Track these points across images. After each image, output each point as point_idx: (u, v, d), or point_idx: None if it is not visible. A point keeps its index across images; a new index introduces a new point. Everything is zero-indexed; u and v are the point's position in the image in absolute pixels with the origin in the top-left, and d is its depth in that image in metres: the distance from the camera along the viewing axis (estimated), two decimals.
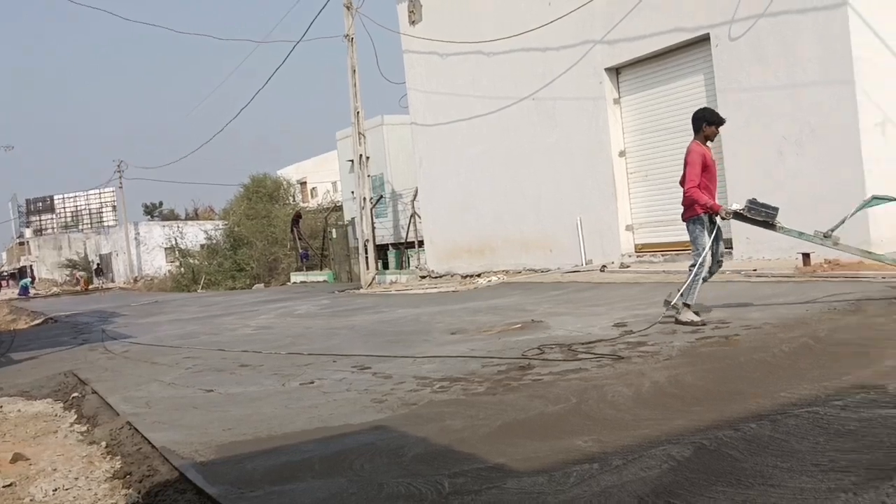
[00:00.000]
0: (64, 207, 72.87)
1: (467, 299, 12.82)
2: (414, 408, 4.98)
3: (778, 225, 7.11)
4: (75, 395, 7.15)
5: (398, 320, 10.92)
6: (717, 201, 7.16)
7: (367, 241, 20.20)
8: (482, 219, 17.80)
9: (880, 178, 10.04)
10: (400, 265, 23.38)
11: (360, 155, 20.08)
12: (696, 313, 7.06)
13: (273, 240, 33.59)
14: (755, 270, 10.39)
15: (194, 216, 67.18)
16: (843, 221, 7.01)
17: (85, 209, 72.56)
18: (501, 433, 4.16)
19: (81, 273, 58.42)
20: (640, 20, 13.35)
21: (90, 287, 52.24)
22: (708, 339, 6.25)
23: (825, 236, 7.11)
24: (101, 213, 71.48)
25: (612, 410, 4.37)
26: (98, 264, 62.48)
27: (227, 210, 42.60)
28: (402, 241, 23.57)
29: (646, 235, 14.27)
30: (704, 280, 7.20)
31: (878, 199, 7.28)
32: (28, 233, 71.45)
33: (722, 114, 7.47)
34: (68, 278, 59.62)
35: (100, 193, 70.56)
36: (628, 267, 13.48)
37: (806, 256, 9.80)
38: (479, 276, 16.86)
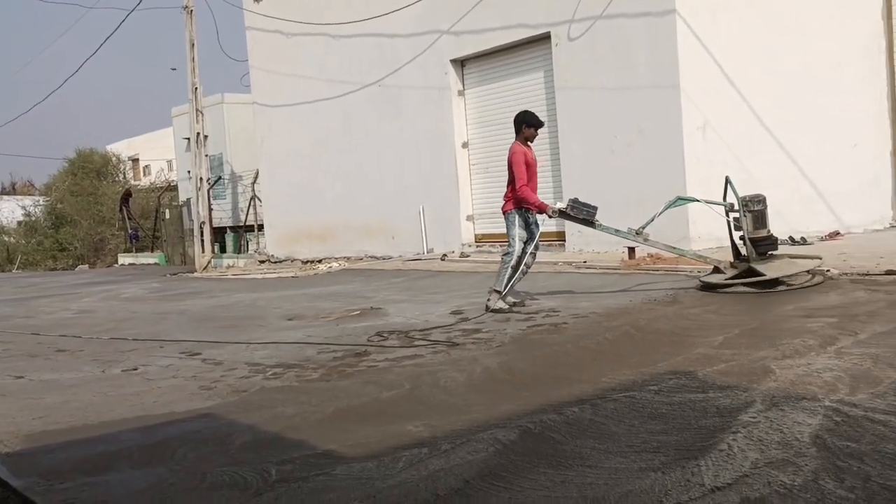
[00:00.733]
0: None
1: (307, 285, 12.63)
2: (244, 395, 4.85)
3: (597, 223, 7.64)
4: None
5: (233, 305, 10.59)
6: (541, 199, 7.62)
7: (203, 223, 19.42)
8: (324, 204, 17.55)
9: (700, 178, 10.69)
10: (238, 249, 22.68)
11: (198, 133, 19.22)
12: (514, 303, 7.54)
13: (100, 219, 31.85)
14: (585, 262, 10.90)
15: (11, 190, 62.04)
16: (652, 219, 7.74)
17: None
18: (333, 419, 4.13)
19: None
20: (486, 14, 13.57)
21: None
22: (539, 326, 6.49)
23: (637, 233, 7.77)
24: None
25: (445, 396, 4.44)
26: None
27: (50, 185, 39.92)
28: (241, 224, 22.86)
29: (485, 226, 14.60)
30: (524, 273, 7.66)
31: (682, 200, 8.14)
32: None
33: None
34: None
35: None
36: (468, 256, 13.76)
37: (631, 251, 10.39)
38: (320, 261, 16.65)
